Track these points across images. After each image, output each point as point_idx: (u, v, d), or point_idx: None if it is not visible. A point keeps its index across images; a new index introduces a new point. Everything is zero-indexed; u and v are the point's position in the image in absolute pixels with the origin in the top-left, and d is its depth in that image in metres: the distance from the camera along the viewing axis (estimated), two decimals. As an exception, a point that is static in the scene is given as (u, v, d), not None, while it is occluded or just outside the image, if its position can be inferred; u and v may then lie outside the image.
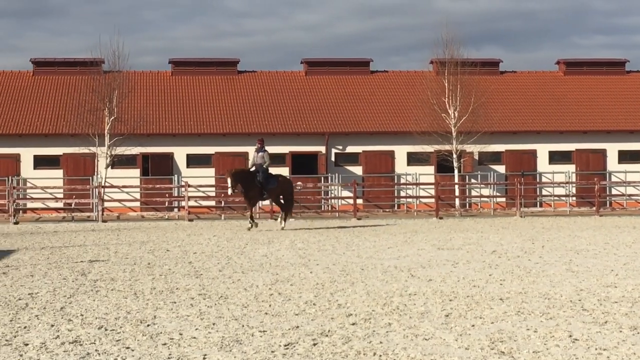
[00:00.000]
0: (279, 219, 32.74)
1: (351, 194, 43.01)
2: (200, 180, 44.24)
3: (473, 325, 10.87)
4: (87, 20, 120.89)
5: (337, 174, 46.23)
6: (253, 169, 31.34)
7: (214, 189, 44.41)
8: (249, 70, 52.25)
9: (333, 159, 47.35)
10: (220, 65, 51.76)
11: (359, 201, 43.91)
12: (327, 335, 10.32)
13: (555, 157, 49.09)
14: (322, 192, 46.80)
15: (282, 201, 32.39)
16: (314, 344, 9.81)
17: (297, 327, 10.90)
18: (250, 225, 31.02)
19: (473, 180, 48.03)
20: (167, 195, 44.30)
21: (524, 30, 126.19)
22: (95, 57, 45.55)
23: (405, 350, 9.47)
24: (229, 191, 31.11)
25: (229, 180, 30.34)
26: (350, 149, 47.61)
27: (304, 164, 47.25)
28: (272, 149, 46.17)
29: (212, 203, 44.76)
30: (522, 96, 51.46)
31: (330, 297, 13.43)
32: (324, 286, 14.78)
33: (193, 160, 46.43)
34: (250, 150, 46.27)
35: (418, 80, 49.78)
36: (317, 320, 11.41)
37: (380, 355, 9.22)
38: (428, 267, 17.89)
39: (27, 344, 9.88)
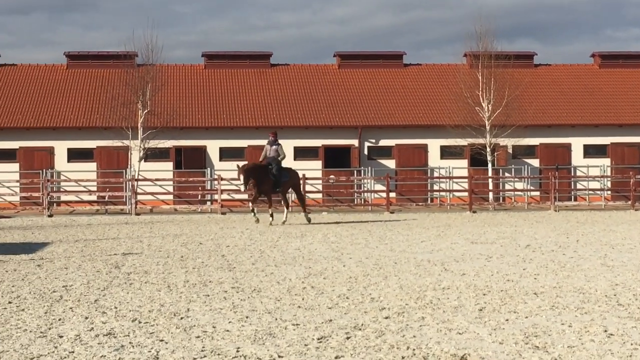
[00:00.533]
0: (284, 214, 31.49)
1: (384, 188, 42.93)
2: (232, 174, 44.24)
3: (507, 320, 10.80)
4: (119, 14, 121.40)
5: (370, 168, 46.18)
6: (264, 162, 30.68)
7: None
8: (282, 64, 52.26)
9: (366, 152, 47.28)
10: (253, 58, 51.81)
11: (392, 195, 43.82)
12: (360, 329, 10.28)
13: (590, 151, 48.78)
14: (355, 185, 46.75)
15: (282, 195, 31.87)
16: (347, 338, 9.77)
17: (330, 320, 10.86)
18: (255, 216, 30.43)
19: (507, 174, 47.80)
20: (199, 188, 44.40)
21: (559, 23, 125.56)
22: (129, 50, 45.78)
23: (439, 344, 9.42)
24: (242, 188, 30.43)
25: (241, 177, 29.57)
26: (383, 142, 47.53)
27: (336, 158, 47.22)
28: (304, 143, 46.43)
29: (245, 196, 44.79)
30: (556, 89, 51.17)
31: (364, 291, 13.38)
32: (357, 280, 14.73)
33: (226, 154, 46.50)
34: (284, 143, 46.39)
35: (451, 73, 49.63)
36: (350, 313, 11.37)
37: (414, 349, 9.17)
38: (461, 261, 17.80)
39: (61, 336, 9.91)
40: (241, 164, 31.06)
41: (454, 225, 29.95)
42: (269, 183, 30.20)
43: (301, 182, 33.71)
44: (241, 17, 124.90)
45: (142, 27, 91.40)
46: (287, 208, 31.71)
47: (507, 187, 48.07)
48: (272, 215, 30.41)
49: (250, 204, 31.50)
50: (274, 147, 30.60)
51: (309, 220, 31.63)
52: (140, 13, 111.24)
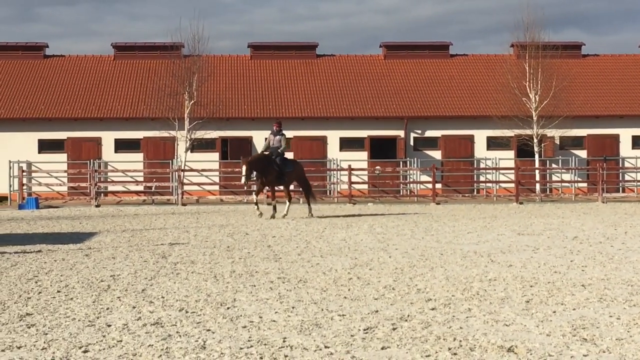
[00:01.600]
0: (286, 207, 30.19)
1: (430, 179, 42.82)
2: (279, 164, 44.35)
3: (554, 312, 10.72)
4: (165, 4, 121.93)
5: (415, 159, 46.04)
6: (267, 152, 29.72)
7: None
8: (328, 54, 52.23)
9: (412, 143, 47.15)
10: (299, 49, 51.84)
11: (438, 186, 43.69)
12: (406, 320, 10.25)
13: (639, 142, 48.28)
14: (401, 176, 46.66)
15: (285, 187, 30.66)
16: (394, 329, 9.75)
17: (377, 311, 10.84)
18: (258, 211, 29.23)
19: (554, 165, 47.47)
20: (246, 179, 44.49)
21: (607, 12, 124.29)
22: (176, 41, 45.98)
23: (486, 335, 9.37)
24: (242, 180, 29.07)
25: (243, 169, 28.44)
26: (429, 133, 47.37)
27: (382, 148, 47.17)
28: (350, 133, 46.42)
29: (291, 187, 44.79)
30: (604, 80, 50.71)
31: (410, 282, 13.34)
32: (403, 271, 14.70)
33: (271, 144, 46.54)
34: (330, 134, 46.45)
35: (498, 63, 49.35)
36: (396, 304, 11.35)
37: (460, 341, 9.13)
38: (508, 252, 17.70)
39: (109, 325, 9.98)
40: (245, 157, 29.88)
41: (501, 217, 29.80)
42: (272, 174, 29.11)
43: (305, 172, 32.70)
44: (286, 6, 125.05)
45: (186, 18, 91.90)
46: (289, 201, 30.50)
47: (554, 178, 47.72)
48: (274, 208, 29.64)
49: (254, 197, 30.53)
50: (277, 137, 29.51)
51: (311, 214, 30.40)
52: (185, 3, 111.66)
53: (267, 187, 30.72)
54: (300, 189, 32.59)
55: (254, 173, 28.87)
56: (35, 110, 46.06)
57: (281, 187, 30.44)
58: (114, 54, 51.23)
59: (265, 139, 30.37)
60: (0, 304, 11.46)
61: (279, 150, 29.24)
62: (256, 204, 29.53)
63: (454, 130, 47.34)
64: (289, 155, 36.56)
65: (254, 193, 30.61)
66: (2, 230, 24.90)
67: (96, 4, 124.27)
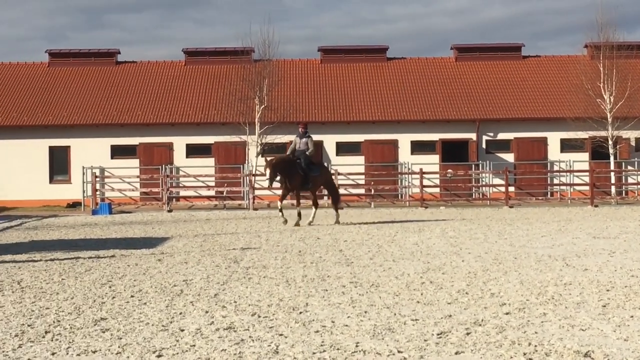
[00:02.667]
0: (312, 213, 28.83)
1: (503, 182, 42.46)
2: (349, 168, 44.35)
3: (632, 316, 10.53)
4: (233, 9, 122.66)
5: (488, 161, 45.68)
6: (292, 156, 28.35)
7: (363, 176, 44.47)
8: (398, 57, 52.09)
9: (484, 146, 46.80)
10: (369, 52, 51.77)
11: (511, 189, 43.30)
12: (480, 325, 10.15)
13: None
14: (473, 179, 46.34)
15: (312, 192, 29.32)
16: (467, 333, 9.66)
17: (450, 316, 10.75)
18: (283, 218, 27.75)
19: (630, 167, 46.78)
20: (317, 183, 44.50)
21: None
22: (246, 46, 46.19)
23: (562, 340, 9.23)
24: (267, 183, 27.89)
25: (267, 172, 27.24)
26: (502, 135, 46.97)
27: (454, 152, 46.88)
28: (422, 137, 46.20)
29: (362, 191, 44.80)
30: (680, 80, 49.81)
31: (483, 286, 13.22)
32: (477, 275, 14.57)
33: (342, 148, 46.55)
34: (401, 137, 46.29)
35: (571, 65, 48.81)
36: (470, 309, 11.24)
37: (536, 346, 9.01)
38: (583, 256, 17.45)
39: (182, 330, 10.01)
40: (269, 158, 28.64)
41: (575, 220, 29.43)
42: (297, 179, 27.70)
43: (334, 177, 31.44)
44: (352, 10, 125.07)
45: (254, 22, 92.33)
46: (316, 207, 29.16)
47: (630, 180, 47.03)
48: (299, 215, 28.13)
49: (278, 203, 28.61)
50: (303, 139, 28.33)
51: (338, 221, 28.76)
52: (254, 8, 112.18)
53: (292, 192, 29.04)
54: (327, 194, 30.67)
55: (279, 177, 27.53)
56: (107, 116, 46.59)
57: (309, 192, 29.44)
58: (184, 59, 51.62)
59: (290, 142, 29.68)
60: (75, 309, 11.56)
61: (306, 154, 28.03)
62: (280, 210, 27.90)
63: (526, 133, 46.88)
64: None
65: (278, 199, 28.85)
66: (77, 236, 25.19)
67: (164, 10, 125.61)
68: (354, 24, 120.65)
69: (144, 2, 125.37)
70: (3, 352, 9.01)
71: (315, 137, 46.21)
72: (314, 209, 28.99)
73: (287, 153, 28.76)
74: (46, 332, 9.96)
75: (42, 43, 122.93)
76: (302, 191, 28.93)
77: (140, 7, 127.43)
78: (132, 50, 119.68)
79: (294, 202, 30.35)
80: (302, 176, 27.70)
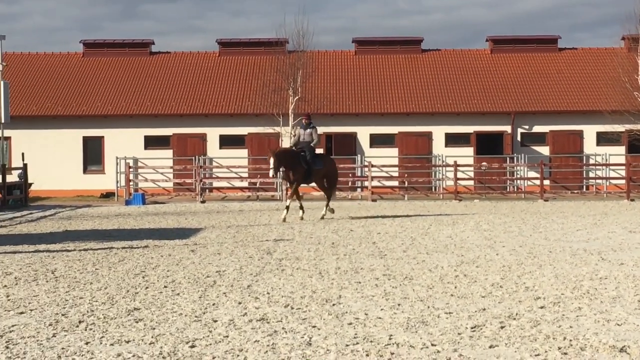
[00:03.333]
0: (325, 207, 27.87)
1: (538, 175, 42.23)
2: (383, 160, 44.26)
3: (669, 312, 10.43)
4: (266, 0, 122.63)
5: (523, 154, 45.43)
6: (295, 147, 27.49)
7: (397, 169, 44.37)
8: (433, 49, 51.89)
9: (519, 138, 46.55)
10: (404, 44, 51.59)
11: (546, 182, 43.04)
12: (514, 319, 10.09)
13: None
14: (508, 172, 46.11)
15: (319, 186, 28.58)
16: (502, 327, 9.61)
17: (484, 309, 10.69)
18: (285, 215, 26.52)
19: (666, 161, 46.38)
20: (350, 175, 44.49)
21: None
22: (280, 37, 46.15)
23: (597, 335, 9.15)
24: (271, 173, 26.83)
25: (271, 161, 26.29)
26: (537, 128, 46.67)
27: (489, 144, 46.65)
28: (456, 129, 46.03)
29: (396, 183, 44.70)
30: None
31: (518, 280, 13.14)
32: (511, 268, 14.49)
33: (376, 140, 46.44)
34: (435, 130, 46.13)
35: (608, 57, 48.43)
36: (504, 303, 11.18)
37: (571, 340, 8.93)
38: (619, 250, 17.32)
39: (215, 321, 10.01)
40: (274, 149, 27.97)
41: (611, 214, 29.22)
42: (300, 172, 26.72)
43: (338, 171, 29.87)
44: (388, 1, 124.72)
45: (287, 13, 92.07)
46: (328, 200, 28.02)
47: (666, 174, 46.61)
48: (302, 208, 26.95)
49: (287, 200, 27.58)
50: (307, 130, 27.14)
51: (328, 211, 27.62)
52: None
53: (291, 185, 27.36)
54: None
55: (282, 169, 26.41)
56: (141, 106, 46.70)
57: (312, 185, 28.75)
58: (219, 50, 51.66)
59: (293, 134, 28.81)
60: (108, 299, 11.60)
61: (311, 145, 27.04)
62: (287, 207, 26.83)
63: (562, 126, 46.56)
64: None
65: (293, 193, 27.18)
66: (110, 226, 25.29)
67: (199, 0, 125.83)
68: (388, 14, 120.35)
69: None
70: (37, 340, 9.05)
71: (349, 129, 46.34)
72: (326, 202, 28.03)
73: (291, 145, 28.00)
74: (80, 322, 9.99)
75: (77, 33, 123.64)
76: (303, 184, 27.68)
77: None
78: (166, 40, 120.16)
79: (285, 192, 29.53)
80: (305, 170, 26.85)
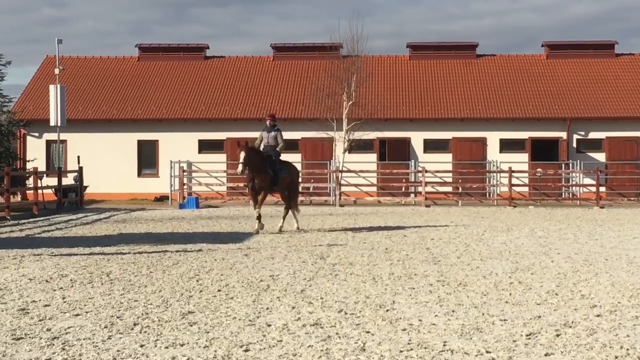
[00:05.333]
0: (294, 218, 25.17)
1: (593, 182, 41.83)
2: (436, 166, 44.09)
3: None
4: (316, 3, 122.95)
5: (578, 161, 45.01)
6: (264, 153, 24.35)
7: (450, 174, 44.17)
8: (488, 54, 51.61)
9: (574, 145, 46.13)
10: (459, 49, 51.37)
11: (602, 189, 42.62)
12: (570, 327, 9.99)
13: None
14: (563, 179, 45.72)
15: (284, 194, 25.34)
16: (557, 335, 9.52)
17: (539, 317, 10.60)
18: (261, 225, 23.93)
19: None
20: (403, 180, 44.38)
21: None
22: (334, 41, 46.15)
23: (655, 345, 9.04)
24: (240, 168, 23.14)
25: (241, 156, 23.07)
26: (593, 134, 46.22)
27: (544, 150, 46.29)
28: (511, 135, 45.71)
29: (449, 189, 44.50)
30: None
31: (573, 288, 13.02)
32: (566, 276, 14.36)
33: (430, 145, 46.27)
34: (490, 135, 45.86)
35: (667, 63, 47.86)
36: (559, 310, 11.08)
37: (628, 349, 8.83)
38: (677, 258, 17.10)
39: (269, 325, 10.02)
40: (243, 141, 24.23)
41: (668, 221, 28.85)
42: (267, 179, 23.70)
43: (300, 179, 27.61)
44: (437, 5, 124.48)
45: (336, 17, 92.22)
46: (289, 208, 25.21)
47: None
48: (259, 218, 23.91)
49: (256, 211, 24.10)
50: (272, 133, 24.48)
51: (281, 229, 24.22)
52: (337, 2, 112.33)
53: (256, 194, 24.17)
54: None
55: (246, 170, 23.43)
56: (195, 111, 46.94)
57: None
58: (273, 54, 51.78)
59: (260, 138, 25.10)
60: (163, 302, 11.65)
61: (277, 149, 24.36)
62: (259, 217, 23.89)
63: (619, 132, 46.06)
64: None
65: (253, 201, 24.44)
66: (164, 229, 25.44)
67: (247, 4, 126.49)
68: (438, 19, 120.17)
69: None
70: (93, 342, 9.11)
71: (403, 134, 46.18)
72: (294, 213, 25.25)
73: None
74: (135, 324, 10.05)
75: (127, 37, 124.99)
76: (269, 193, 24.77)
77: (225, 2, 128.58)
78: (217, 44, 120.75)
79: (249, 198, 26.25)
80: (271, 177, 23.85)
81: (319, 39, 48.51)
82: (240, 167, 23.10)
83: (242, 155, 23.02)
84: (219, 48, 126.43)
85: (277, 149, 24.37)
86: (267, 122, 24.80)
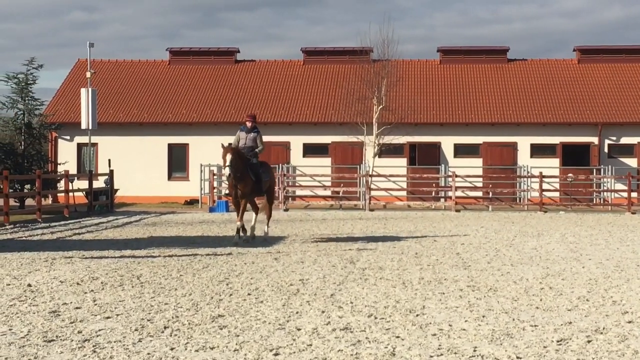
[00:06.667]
0: (260, 223, 23.32)
1: (625, 187, 41.57)
2: (467, 171, 43.96)
3: None
4: (345, 8, 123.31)
5: (610, 166, 44.75)
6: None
7: (481, 179, 44.03)
8: (519, 59, 51.43)
9: (606, 150, 45.87)
10: (490, 53, 51.22)
11: (634, 195, 42.36)
12: (601, 333, 9.94)
13: None
14: (594, 184, 45.47)
15: (268, 198, 23.42)
16: (588, 341, 9.47)
17: (570, 322, 10.55)
18: (239, 236, 21.75)
19: None
20: (433, 185, 44.29)
21: None
22: (364, 45, 46.13)
23: (688, 352, 8.96)
24: (227, 171, 21.17)
25: (228, 158, 21.06)
26: (625, 139, 45.94)
27: (575, 155, 46.06)
28: (541, 140, 45.51)
29: (480, 194, 44.35)
30: None
31: (604, 294, 12.94)
32: (597, 282, 14.28)
33: (460, 150, 46.15)
34: (520, 140, 45.67)
35: (700, 68, 47.47)
36: (590, 316, 11.02)
37: (661, 357, 8.76)
38: None
39: (299, 329, 10.02)
40: (226, 143, 22.40)
41: (700, 227, 28.63)
42: (250, 184, 21.73)
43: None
44: (466, 10, 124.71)
45: (366, 21, 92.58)
46: (265, 212, 23.42)
47: None
48: (243, 229, 22.04)
49: (237, 222, 22.00)
50: (251, 134, 22.22)
51: (253, 236, 22.49)
52: (365, 7, 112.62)
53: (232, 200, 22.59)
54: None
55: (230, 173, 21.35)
56: (226, 114, 47.00)
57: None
58: (303, 58, 51.83)
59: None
60: (193, 305, 11.68)
61: (256, 151, 22.12)
62: (243, 229, 22.03)
63: (650, 137, 45.77)
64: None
65: (237, 210, 22.14)
66: (194, 233, 25.50)
67: (277, 8, 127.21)
68: (467, 23, 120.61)
69: (257, 0, 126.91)
70: (124, 345, 9.15)
71: (433, 139, 46.11)
72: (258, 217, 23.39)
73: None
74: (165, 327, 10.08)
75: (155, 41, 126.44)
76: (251, 199, 22.92)
77: (254, 6, 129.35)
78: (245, 48, 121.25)
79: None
80: (254, 182, 21.91)
81: (348, 43, 48.54)
82: (226, 170, 21.13)
83: (229, 157, 21.03)
84: (247, 52, 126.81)
85: (257, 150, 22.10)
86: (247, 123, 22.38)
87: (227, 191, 22.32)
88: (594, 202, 44.40)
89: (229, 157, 21.00)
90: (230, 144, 21.89)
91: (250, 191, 21.88)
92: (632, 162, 45.65)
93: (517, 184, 45.09)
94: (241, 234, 21.86)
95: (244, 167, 21.48)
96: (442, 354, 8.82)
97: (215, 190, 43.13)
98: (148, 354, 8.79)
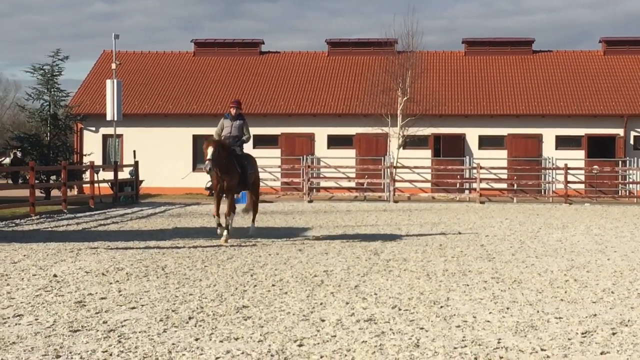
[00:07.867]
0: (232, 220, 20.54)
1: (650, 179, 41.36)
2: (491, 162, 43.85)
3: None
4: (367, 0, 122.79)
5: (636, 158, 44.53)
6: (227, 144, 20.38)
7: (506, 171, 43.91)
8: (544, 50, 51.22)
9: (632, 142, 45.63)
10: (515, 45, 51.03)
11: (659, 186, 42.13)
12: (627, 325, 9.90)
13: None
14: (620, 176, 45.27)
15: (251, 192, 21.97)
16: (613, 334, 9.44)
17: (595, 315, 10.52)
18: (222, 232, 19.67)
19: None
20: (458, 176, 44.21)
21: None
22: (389, 37, 46.06)
23: None
24: (208, 166, 19.42)
25: (209, 151, 19.35)
26: (651, 131, 45.70)
27: (600, 147, 45.85)
28: (567, 132, 45.36)
29: (504, 185, 44.24)
30: None
31: (630, 286, 12.90)
32: (623, 274, 14.22)
33: (485, 142, 46.02)
34: (545, 132, 45.51)
35: None
36: (615, 309, 10.98)
37: (686, 350, 8.73)
38: None
39: (323, 320, 10.04)
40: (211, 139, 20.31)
41: None
42: (236, 178, 20.12)
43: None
44: (488, 0, 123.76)
45: (388, 13, 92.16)
46: (234, 211, 20.84)
47: None
48: (227, 225, 19.96)
49: (219, 217, 20.04)
50: (236, 122, 20.78)
51: (252, 232, 21.30)
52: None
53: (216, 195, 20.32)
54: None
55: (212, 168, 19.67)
56: (250, 106, 47.00)
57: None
58: (327, 50, 51.80)
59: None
60: (217, 296, 11.72)
61: (242, 139, 20.78)
62: (224, 226, 19.91)
63: (676, 129, 45.52)
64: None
65: (215, 206, 20.15)
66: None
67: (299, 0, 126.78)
68: (489, 15, 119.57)
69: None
70: (149, 335, 9.19)
71: (458, 130, 46.01)
72: (253, 212, 21.96)
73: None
74: (190, 318, 10.12)
75: (177, 32, 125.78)
76: (237, 193, 21.94)
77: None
78: (267, 39, 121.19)
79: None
80: (240, 174, 20.30)
81: (370, 35, 48.43)
82: (207, 164, 19.38)
83: (210, 151, 19.33)
84: (270, 44, 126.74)
85: (244, 138, 20.75)
86: (231, 110, 20.84)
87: (209, 184, 20.31)
88: (620, 194, 44.20)
89: (210, 150, 19.32)
90: (214, 139, 20.18)
91: (236, 185, 20.31)
92: (658, 154, 45.41)
93: (542, 175, 44.96)
94: (224, 230, 19.69)
95: (229, 160, 19.91)
96: (466, 346, 8.81)
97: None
98: (173, 344, 8.83)
